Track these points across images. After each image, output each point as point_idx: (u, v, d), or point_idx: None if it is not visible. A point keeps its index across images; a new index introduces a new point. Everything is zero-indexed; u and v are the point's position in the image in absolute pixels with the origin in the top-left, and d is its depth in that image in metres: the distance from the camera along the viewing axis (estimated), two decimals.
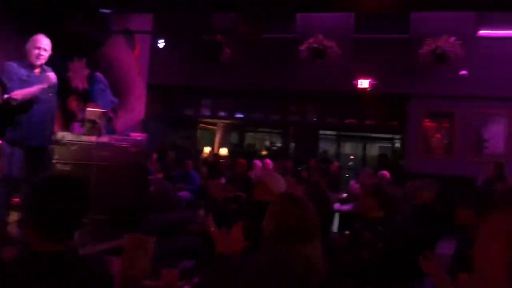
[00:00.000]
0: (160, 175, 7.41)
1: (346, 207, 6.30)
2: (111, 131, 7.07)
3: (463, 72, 8.87)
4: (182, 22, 9.20)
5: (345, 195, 7.36)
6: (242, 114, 11.87)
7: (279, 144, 14.15)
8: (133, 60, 9.36)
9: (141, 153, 5.85)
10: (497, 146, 9.04)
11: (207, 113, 11.91)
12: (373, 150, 14.38)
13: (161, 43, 8.80)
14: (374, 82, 9.31)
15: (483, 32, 9.31)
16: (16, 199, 4.47)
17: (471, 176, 7.13)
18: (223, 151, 11.86)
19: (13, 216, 4.50)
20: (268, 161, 7.98)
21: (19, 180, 4.34)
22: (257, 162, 7.94)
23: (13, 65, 4.37)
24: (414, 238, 3.93)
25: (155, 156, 8.33)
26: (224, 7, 8.02)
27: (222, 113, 11.90)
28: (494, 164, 6.73)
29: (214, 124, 13.10)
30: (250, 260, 2.13)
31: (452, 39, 8.66)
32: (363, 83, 9.32)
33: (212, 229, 2.41)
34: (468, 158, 9.04)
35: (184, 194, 7.30)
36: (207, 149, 12.09)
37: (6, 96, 4.19)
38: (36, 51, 4.35)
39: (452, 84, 9.04)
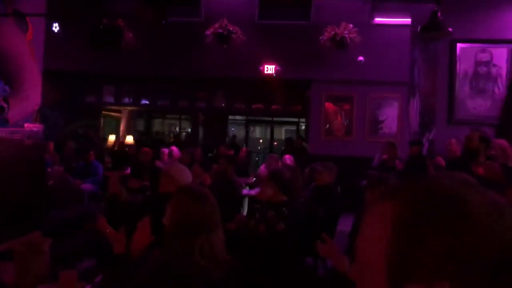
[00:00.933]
0: (60, 168, 7.00)
1: (255, 191, 6.46)
2: (3, 122, 6.51)
3: (360, 58, 9.40)
4: (77, 4, 8.65)
5: (254, 179, 7.53)
6: (148, 101, 11.55)
7: (188, 130, 14.03)
8: (25, 44, 8.65)
9: (37, 145, 5.48)
10: (391, 127, 9.79)
11: (111, 100, 11.41)
12: (280, 133, 14.84)
13: (55, 27, 8.22)
14: (278, 68, 9.54)
15: (378, 20, 9.92)
16: None
17: (368, 156, 7.64)
18: (129, 139, 11.48)
19: None
20: (175, 148, 7.86)
21: None
22: (165, 150, 7.81)
23: None
24: (315, 218, 4.15)
25: (51, 146, 7.83)
26: None
27: (126, 100, 11.47)
28: (387, 144, 7.26)
29: (119, 112, 12.61)
30: (153, 255, 2.12)
31: (350, 26, 9.12)
32: (269, 69, 9.51)
33: (107, 230, 2.35)
34: (366, 138, 9.67)
35: (87, 186, 6.98)
36: (112, 138, 11.63)
37: None
38: None
39: (350, 70, 9.55)
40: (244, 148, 9.92)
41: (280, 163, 6.53)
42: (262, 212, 3.49)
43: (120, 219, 3.80)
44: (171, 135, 14.09)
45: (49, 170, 6.28)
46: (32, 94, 8.88)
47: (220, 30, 8.69)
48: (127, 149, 9.79)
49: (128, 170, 7.03)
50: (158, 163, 7.00)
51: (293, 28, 9.84)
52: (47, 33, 8.96)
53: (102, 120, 12.18)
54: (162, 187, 3.22)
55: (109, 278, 1.96)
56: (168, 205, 2.10)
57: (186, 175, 3.23)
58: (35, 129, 5.69)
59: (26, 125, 5.97)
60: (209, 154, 9.83)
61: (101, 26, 7.66)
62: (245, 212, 6.36)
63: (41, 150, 5.60)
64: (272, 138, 14.12)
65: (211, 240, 2.07)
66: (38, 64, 8.92)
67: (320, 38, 9.12)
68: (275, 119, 13.67)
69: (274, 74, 9.50)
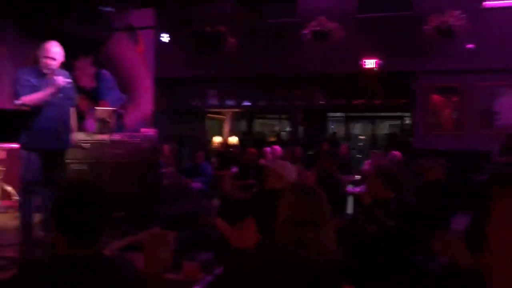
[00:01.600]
0: (172, 168, 7.50)
1: (359, 189, 6.35)
2: (121, 127, 7.17)
3: (470, 45, 8.79)
4: (181, 14, 9.20)
5: (357, 177, 7.40)
6: (249, 102, 11.90)
7: (288, 129, 14.18)
8: (137, 55, 9.41)
9: (152, 148, 5.95)
10: (508, 117, 8.98)
11: (214, 103, 11.95)
12: (383, 129, 14.36)
13: (164, 37, 8.84)
14: (380, 62, 9.27)
15: (488, 3, 9.19)
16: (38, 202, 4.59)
17: (482, 150, 7.12)
18: (233, 140, 11.92)
19: (36, 218, 4.62)
20: (277, 147, 8.02)
21: (37, 184, 4.44)
22: (267, 150, 7.99)
23: (24, 71, 4.44)
24: (426, 216, 3.98)
25: (166, 149, 8.41)
26: None
27: (229, 102, 11.93)
28: (507, 135, 6.70)
29: (222, 114, 13.14)
30: (264, 250, 2.20)
31: (457, 12, 8.56)
32: (369, 63, 9.28)
33: (224, 228, 2.48)
34: (478, 131, 9.00)
35: (197, 185, 7.40)
36: (217, 139, 12.16)
37: (18, 101, 4.28)
38: (45, 61, 4.38)
39: (459, 58, 8.96)
40: (344, 145, 9.78)
41: (384, 159, 6.35)
42: (370, 210, 3.44)
43: (231, 215, 3.98)
44: (272, 134, 14.35)
45: (163, 170, 6.78)
46: (145, 101, 9.66)
47: (318, 28, 8.67)
48: (231, 149, 10.18)
49: (234, 170, 7.33)
50: (262, 162, 7.20)
51: (395, 19, 9.49)
52: (157, 44, 9.68)
53: (207, 122, 12.79)
54: (268, 184, 3.32)
55: (229, 270, 2.08)
56: (280, 200, 2.17)
57: (291, 172, 3.30)
58: (150, 133, 6.18)
59: (142, 130, 6.52)
60: (310, 152, 9.85)
61: (204, 33, 8.07)
62: (349, 210, 6.29)
63: (156, 152, 6.06)
64: (374, 134, 13.74)
65: (321, 235, 2.10)
66: (149, 73, 9.66)
67: (425, 27, 8.68)
68: (377, 114, 13.27)
69: (376, 68, 9.25)
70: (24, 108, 4.27)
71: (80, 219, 1.64)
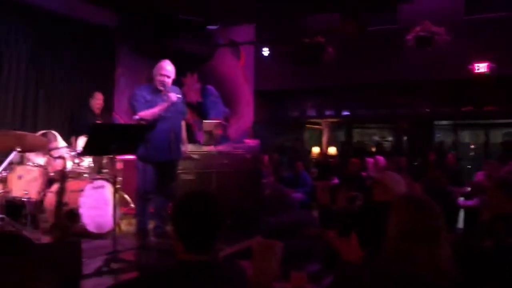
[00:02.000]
0: (272, 178, 7.63)
1: (471, 202, 5.92)
2: (226, 139, 7.47)
3: None
4: (281, 28, 9.37)
5: (469, 188, 6.91)
6: (348, 111, 11.71)
7: (389, 139, 13.69)
8: (239, 69, 9.78)
9: (255, 158, 6.11)
10: None
11: (313, 113, 11.94)
12: (496, 137, 13.25)
13: (265, 51, 9.08)
14: (492, 65, 8.60)
15: None
16: (152, 209, 4.95)
17: None
18: (332, 150, 11.80)
19: (151, 225, 4.98)
20: (380, 158, 7.79)
21: (152, 193, 4.79)
22: (370, 160, 7.80)
23: (140, 89, 4.85)
24: None
25: (266, 159, 8.59)
26: (323, 8, 8.04)
27: (327, 112, 11.85)
28: None
29: (320, 124, 13.08)
30: (374, 263, 2.15)
31: None
32: (480, 67, 8.66)
33: (333, 240, 2.47)
34: None
35: (297, 195, 7.43)
36: (315, 149, 12.13)
37: (136, 116, 4.68)
38: (160, 78, 4.73)
39: None
40: (451, 153, 9.17)
41: (501, 170, 5.85)
42: (488, 224, 3.19)
43: (330, 227, 3.95)
44: (372, 144, 13.96)
45: (264, 181, 6.93)
46: (246, 113, 9.98)
47: (422, 33, 8.29)
48: (331, 160, 10.09)
49: (335, 180, 7.26)
50: (364, 173, 7.04)
51: (506, 19, 8.76)
52: (256, 57, 9.97)
53: (305, 133, 12.82)
54: (376, 196, 3.23)
55: (340, 282, 2.07)
56: (390, 212, 2.11)
57: (400, 184, 3.18)
58: (252, 144, 6.36)
59: (245, 140, 6.74)
60: (415, 163, 9.42)
61: (304, 45, 8.14)
62: (460, 225, 5.89)
63: (258, 162, 6.21)
64: (486, 143, 12.72)
65: (435, 249, 2.00)
66: (250, 86, 9.98)
67: None
68: (489, 121, 12.29)
69: (488, 72, 8.60)
70: (141, 122, 4.65)
71: (197, 227, 1.72)
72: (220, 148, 5.99)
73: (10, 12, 6.29)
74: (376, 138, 14.43)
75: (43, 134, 5.89)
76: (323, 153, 11.52)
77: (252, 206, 5.81)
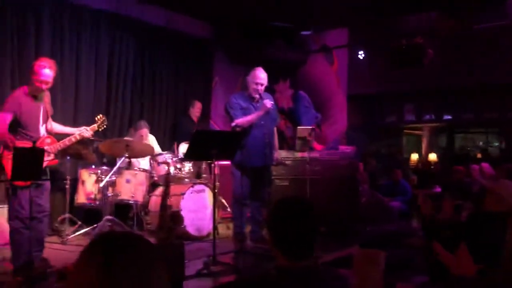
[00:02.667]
0: (366, 186, 7.39)
1: None
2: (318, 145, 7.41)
3: None
4: (376, 30, 9.10)
5: None
6: (449, 116, 11.00)
7: (496, 144, 12.64)
8: (332, 74, 9.65)
9: (350, 165, 5.97)
10: None
11: (411, 118, 11.39)
12: None
13: (360, 54, 8.86)
14: None
15: None
16: (247, 214, 5.05)
17: None
18: (432, 157, 11.16)
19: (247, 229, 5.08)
20: (485, 165, 7.19)
21: (248, 198, 4.89)
22: (475, 167, 7.24)
23: (235, 97, 4.99)
24: None
25: (361, 166, 8.35)
26: (420, 7, 7.68)
27: (427, 117, 11.24)
28: None
29: (419, 129, 12.45)
30: (491, 281, 1.98)
31: None
32: None
33: (440, 252, 2.31)
34: None
35: (395, 204, 7.13)
36: (414, 156, 11.56)
37: (233, 124, 4.81)
38: (254, 86, 4.86)
39: None
40: None
41: None
42: None
43: (439, 238, 3.70)
44: (476, 150, 12.97)
45: (360, 188, 6.73)
46: (340, 119, 9.80)
47: None
48: (432, 167, 9.55)
49: (437, 189, 6.85)
50: (482, 182, 6.53)
51: None
52: (350, 61, 9.78)
53: (403, 138, 12.28)
54: (487, 206, 2.98)
55: None
56: (499, 225, 1.93)
57: None
58: (347, 150, 6.23)
59: (340, 147, 6.62)
60: None
61: (401, 47, 7.82)
62: None
63: (354, 169, 6.06)
64: None
65: None
66: (343, 91, 9.80)
67: None
68: None
69: None
70: (237, 129, 4.77)
71: (295, 232, 1.69)
72: (314, 154, 5.94)
73: (116, 26, 6.78)
74: (481, 143, 13.40)
75: (136, 125, 6.31)
76: (423, 160, 10.93)
77: (347, 214, 5.68)
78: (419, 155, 11.63)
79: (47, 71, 3.84)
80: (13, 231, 3.81)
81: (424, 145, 12.25)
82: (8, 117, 3.76)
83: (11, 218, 3.82)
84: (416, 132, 12.54)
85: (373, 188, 7.65)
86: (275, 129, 5.26)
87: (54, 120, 5.16)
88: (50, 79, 3.91)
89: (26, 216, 3.71)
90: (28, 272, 3.58)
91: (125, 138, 6.20)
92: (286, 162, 5.91)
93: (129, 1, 6.91)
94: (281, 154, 5.88)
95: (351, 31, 9.40)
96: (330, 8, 7.62)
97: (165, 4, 7.29)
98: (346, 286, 1.85)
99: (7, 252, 4.20)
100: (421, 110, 11.14)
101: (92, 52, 6.45)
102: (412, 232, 4.86)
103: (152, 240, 4.27)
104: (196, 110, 7.32)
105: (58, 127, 4.30)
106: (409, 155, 11.72)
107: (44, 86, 3.91)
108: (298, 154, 5.90)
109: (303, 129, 6.00)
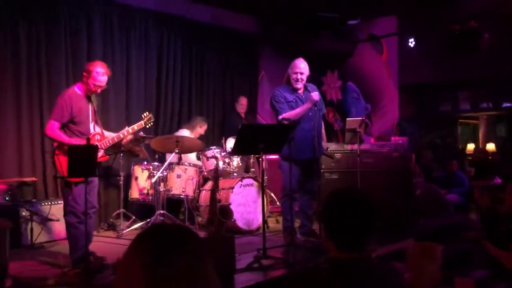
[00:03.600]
0: (421, 178, 7.12)
1: None
2: (368, 137, 7.22)
3: None
4: (427, 16, 8.74)
5: None
6: (509, 103, 10.42)
7: None
8: (382, 64, 9.38)
9: (403, 156, 5.78)
10: None
11: (467, 106, 10.88)
12: None
13: (411, 42, 8.54)
14: None
15: None
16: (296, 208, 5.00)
17: None
18: (490, 147, 10.63)
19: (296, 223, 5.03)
20: None
21: (297, 191, 4.83)
22: None
23: (280, 90, 4.94)
24: None
25: (413, 158, 8.06)
26: None
27: (484, 105, 10.70)
28: None
29: (476, 118, 11.89)
30: None
31: None
32: None
33: (493, 251, 2.18)
34: None
35: (452, 196, 6.83)
36: (470, 146, 11.05)
37: (279, 117, 4.77)
38: (294, 76, 4.80)
39: None
40: None
41: None
42: None
43: (497, 232, 3.52)
44: None
45: (414, 180, 6.50)
46: (390, 110, 9.52)
47: None
48: (490, 157, 9.09)
49: (496, 180, 6.49)
50: None
51: None
52: (400, 50, 9.46)
53: (458, 128, 11.78)
54: None
55: None
56: None
57: None
58: (400, 141, 6.03)
59: (392, 138, 6.42)
60: None
61: (457, 32, 7.46)
62: None
63: (407, 161, 5.86)
64: None
65: None
66: (393, 81, 9.50)
67: None
68: None
69: None
70: (283, 122, 4.72)
71: (350, 222, 1.66)
72: (364, 146, 5.80)
73: (164, 25, 6.92)
74: None
75: (192, 122, 6.42)
76: (481, 150, 10.42)
77: (401, 206, 5.50)
78: (476, 145, 11.12)
79: (104, 77, 4.09)
80: (69, 226, 3.99)
81: (481, 135, 11.70)
82: (56, 125, 3.98)
83: (66, 213, 4.00)
84: (472, 121, 11.98)
85: (428, 180, 7.37)
86: (322, 121, 5.17)
87: (108, 118, 5.33)
88: (105, 84, 4.16)
89: (81, 211, 3.86)
90: (85, 265, 3.72)
91: (182, 128, 6.32)
92: (336, 155, 5.81)
93: (176, 0, 7.03)
94: (330, 146, 5.78)
95: (400, 18, 9.09)
96: None
97: (211, 1, 7.35)
98: (401, 280, 1.78)
99: (64, 247, 4.40)
100: (477, 98, 10.62)
101: (141, 51, 6.62)
102: (470, 225, 4.63)
103: (202, 234, 4.33)
104: (241, 106, 7.35)
105: (106, 133, 4.44)
106: (465, 146, 11.23)
107: (99, 90, 4.16)
108: (348, 147, 5.78)
109: (352, 121, 5.86)
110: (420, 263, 2.22)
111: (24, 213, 4.93)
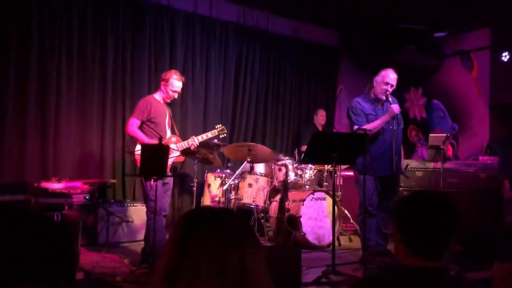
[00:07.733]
0: None
1: None
2: (455, 157, 6.72)
3: None
4: None
5: None
6: None
7: None
8: (471, 81, 8.78)
9: (492, 177, 5.27)
10: None
11: None
12: None
13: (505, 56, 7.88)
14: None
15: None
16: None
17: None
18: None
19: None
20: None
21: (375, 207, 4.54)
22: None
23: (359, 100, 4.72)
24: None
25: (507, 183, 7.36)
26: None
27: None
28: None
29: None
30: None
31: None
32: None
33: None
34: None
35: None
36: None
37: (355, 127, 4.56)
38: (384, 86, 4.55)
39: None
40: None
41: None
42: None
43: None
44: None
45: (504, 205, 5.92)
46: (480, 130, 8.83)
47: None
48: None
49: None
50: None
51: None
52: (492, 66, 8.78)
53: None
54: None
55: None
56: None
57: None
58: (489, 161, 5.52)
59: (480, 157, 5.91)
60: None
61: None
62: None
63: (496, 183, 5.34)
64: None
65: None
66: (485, 99, 8.82)
67: None
68: None
69: None
70: (359, 131, 4.48)
71: (428, 226, 1.49)
72: (449, 164, 5.38)
73: (243, 36, 7.02)
74: None
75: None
76: None
77: (488, 231, 5.01)
78: None
79: (179, 83, 4.44)
80: (147, 222, 4.25)
81: None
82: (136, 123, 4.32)
83: (147, 208, 4.25)
84: None
85: None
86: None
87: (185, 124, 5.43)
88: (180, 89, 4.50)
89: (152, 209, 3.95)
90: (151, 265, 3.76)
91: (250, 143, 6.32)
92: (417, 172, 5.44)
93: (256, 13, 7.11)
94: (410, 163, 5.44)
95: (493, 32, 8.47)
96: (468, 6, 6.94)
97: (293, 15, 7.34)
98: None
99: (137, 248, 4.51)
100: None
101: (220, 61, 6.76)
102: None
103: (270, 244, 4.21)
104: (320, 118, 7.23)
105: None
106: None
107: (176, 96, 4.52)
108: (430, 164, 5.39)
109: (436, 137, 5.49)
110: (508, 285, 1.94)
111: (102, 213, 5.15)
